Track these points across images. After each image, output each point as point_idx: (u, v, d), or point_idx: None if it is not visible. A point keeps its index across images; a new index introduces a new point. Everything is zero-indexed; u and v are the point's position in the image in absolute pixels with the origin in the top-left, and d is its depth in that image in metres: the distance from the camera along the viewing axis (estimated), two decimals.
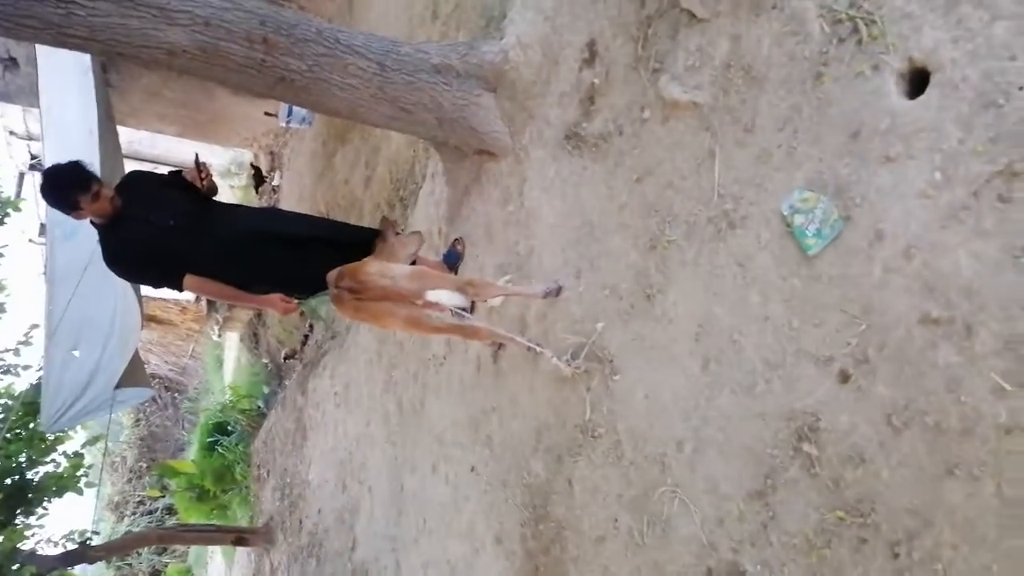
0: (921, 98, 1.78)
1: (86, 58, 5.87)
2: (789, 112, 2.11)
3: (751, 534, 2.08)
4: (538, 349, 2.94)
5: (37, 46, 6.21)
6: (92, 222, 3.41)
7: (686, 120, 2.47)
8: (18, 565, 6.55)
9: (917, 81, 1.81)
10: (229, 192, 10.69)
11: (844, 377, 1.87)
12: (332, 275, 2.75)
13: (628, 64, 2.77)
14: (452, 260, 4.07)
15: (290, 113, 7.92)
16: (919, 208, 1.74)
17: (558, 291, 3.01)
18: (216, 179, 3.65)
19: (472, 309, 3.44)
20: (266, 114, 8.97)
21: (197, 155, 3.60)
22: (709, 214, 2.34)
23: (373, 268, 2.72)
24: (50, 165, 3.32)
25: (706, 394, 2.29)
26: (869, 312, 1.83)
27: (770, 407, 2.06)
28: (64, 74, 6.12)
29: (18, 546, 6.68)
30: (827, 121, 2.00)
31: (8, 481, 6.93)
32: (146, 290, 7.57)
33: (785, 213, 2.06)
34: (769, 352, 2.09)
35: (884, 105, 1.85)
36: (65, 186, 3.25)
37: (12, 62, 7.92)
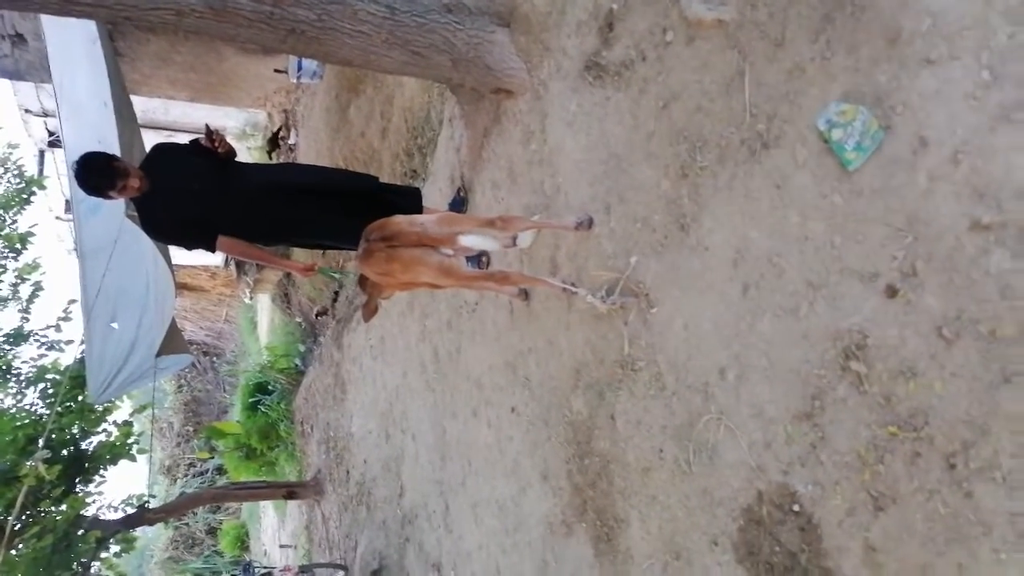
0: None
1: (93, 28, 5.79)
2: (821, 22, 2.02)
3: (800, 455, 2.08)
4: (572, 289, 2.91)
5: (43, 19, 6.15)
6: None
7: (712, 39, 2.38)
8: (83, 531, 6.81)
9: None
10: (246, 153, 10.66)
11: (891, 292, 1.83)
12: (366, 232, 2.76)
13: None
14: (458, 206, 4.23)
15: (300, 68, 7.81)
16: (966, 111, 1.66)
17: (590, 223, 2.95)
18: (232, 141, 3.77)
19: (488, 263, 3.51)
20: (276, 71, 8.86)
21: (207, 125, 3.76)
22: (741, 136, 2.27)
23: (400, 219, 2.74)
24: (82, 154, 3.45)
25: (747, 320, 2.26)
26: (915, 223, 1.77)
27: (815, 328, 2.03)
28: (72, 46, 6.04)
29: (81, 513, 6.93)
30: (862, 28, 1.91)
31: (64, 452, 7.13)
32: (177, 258, 7.65)
33: (822, 128, 1.99)
34: (811, 273, 2.04)
35: (924, 5, 1.76)
36: (95, 184, 3.43)
37: (19, 38, 7.85)
